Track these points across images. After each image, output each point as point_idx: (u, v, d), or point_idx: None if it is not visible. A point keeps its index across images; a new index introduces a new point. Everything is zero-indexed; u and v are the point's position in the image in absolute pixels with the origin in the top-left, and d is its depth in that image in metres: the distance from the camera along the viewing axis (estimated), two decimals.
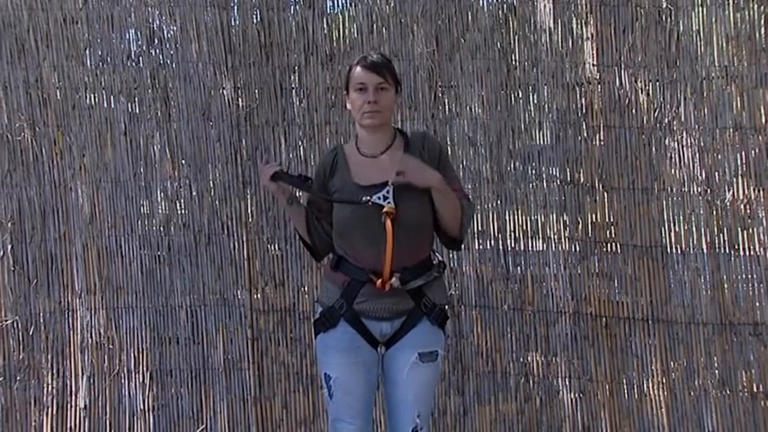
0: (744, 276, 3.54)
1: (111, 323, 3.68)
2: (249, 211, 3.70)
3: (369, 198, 2.48)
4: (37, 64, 3.68)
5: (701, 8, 3.57)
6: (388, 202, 2.47)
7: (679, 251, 3.58)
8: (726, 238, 3.54)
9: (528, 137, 3.68)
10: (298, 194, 2.71)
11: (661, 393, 3.58)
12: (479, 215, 3.68)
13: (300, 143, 3.71)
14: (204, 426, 3.67)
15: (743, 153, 3.54)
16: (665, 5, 3.58)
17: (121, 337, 3.68)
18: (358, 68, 2.54)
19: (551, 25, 3.65)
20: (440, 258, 2.64)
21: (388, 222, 2.45)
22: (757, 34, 3.53)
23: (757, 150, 3.52)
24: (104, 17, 3.69)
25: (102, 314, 3.68)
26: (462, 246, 2.74)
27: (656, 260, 3.58)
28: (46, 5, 3.67)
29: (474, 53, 3.66)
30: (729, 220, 3.54)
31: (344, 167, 2.57)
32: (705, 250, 3.56)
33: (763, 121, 3.53)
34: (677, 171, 3.59)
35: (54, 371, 3.68)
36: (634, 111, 3.60)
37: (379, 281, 2.47)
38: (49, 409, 3.67)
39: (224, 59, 3.68)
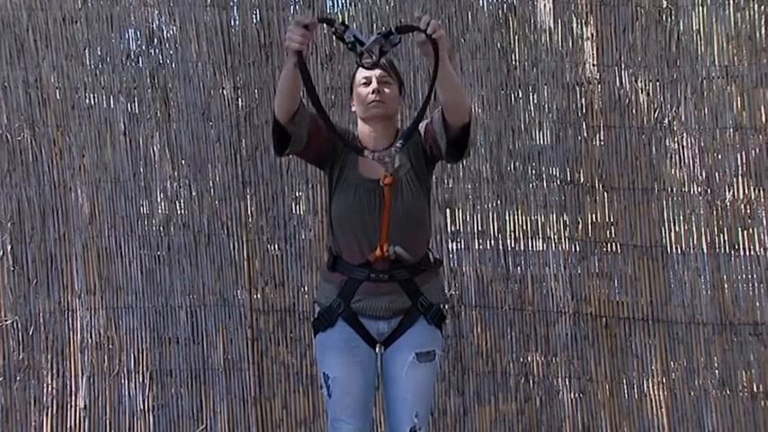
0: (744, 276, 3.54)
1: (110, 323, 3.68)
2: (249, 211, 3.70)
3: (373, 153, 2.40)
4: (36, 64, 3.67)
5: (701, 8, 3.57)
6: (387, 167, 2.41)
7: (679, 251, 3.58)
8: (726, 238, 3.54)
9: (528, 137, 3.68)
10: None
11: (661, 393, 3.58)
12: (479, 215, 3.68)
13: None
14: (204, 426, 3.67)
15: (743, 153, 3.54)
16: (665, 5, 3.59)
17: (121, 337, 3.68)
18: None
19: (551, 25, 3.65)
20: (436, 257, 2.63)
21: (386, 188, 2.42)
22: (757, 34, 3.53)
23: (757, 150, 3.52)
24: (104, 17, 3.68)
25: (102, 314, 3.68)
26: (470, 145, 2.51)
27: (656, 260, 3.58)
28: (45, 5, 3.67)
29: (474, 53, 3.66)
30: (729, 220, 3.54)
31: (354, 156, 2.55)
32: (705, 250, 3.56)
33: (764, 120, 3.52)
34: (677, 171, 3.59)
35: (54, 371, 3.68)
36: (634, 111, 3.60)
37: (377, 251, 2.44)
38: (49, 409, 3.68)
39: (224, 59, 3.67)
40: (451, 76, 2.37)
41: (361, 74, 2.55)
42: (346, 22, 2.38)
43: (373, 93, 2.51)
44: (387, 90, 2.53)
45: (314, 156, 2.58)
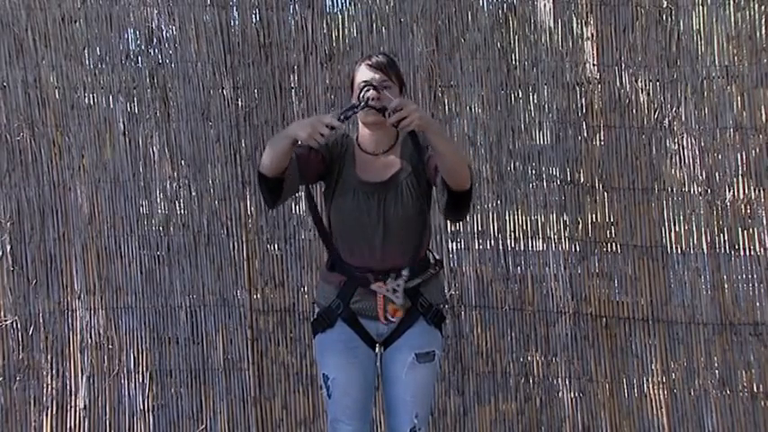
0: (744, 276, 3.55)
1: (110, 323, 3.68)
2: (249, 211, 3.70)
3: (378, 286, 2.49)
4: (35, 64, 3.67)
5: (701, 8, 3.57)
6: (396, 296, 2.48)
7: (679, 251, 3.58)
8: (726, 238, 3.54)
9: (528, 137, 3.68)
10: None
11: (661, 393, 3.58)
12: (479, 215, 3.67)
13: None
14: (204, 426, 3.67)
15: (743, 153, 3.54)
16: (665, 5, 3.58)
17: (121, 337, 3.68)
18: (362, 67, 2.55)
19: (551, 25, 3.65)
20: (436, 257, 2.63)
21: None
22: (758, 34, 3.53)
23: (757, 150, 3.53)
24: (103, 16, 3.68)
25: (102, 314, 3.67)
26: (470, 206, 2.55)
27: (656, 260, 3.58)
28: (44, 5, 3.66)
29: (474, 53, 3.66)
30: (730, 220, 3.54)
31: (351, 158, 2.57)
32: (705, 250, 3.56)
33: (764, 120, 3.53)
34: (677, 171, 3.59)
35: (54, 371, 3.67)
36: (634, 111, 3.60)
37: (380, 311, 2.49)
38: (49, 409, 3.67)
39: (223, 59, 3.67)
40: (448, 151, 2.35)
41: (362, 75, 2.53)
42: (354, 104, 2.41)
43: (373, 100, 2.50)
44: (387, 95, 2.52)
45: (313, 181, 2.61)
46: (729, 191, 3.53)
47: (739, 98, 3.54)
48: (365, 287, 2.49)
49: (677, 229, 3.59)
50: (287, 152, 2.37)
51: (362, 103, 2.37)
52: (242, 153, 3.68)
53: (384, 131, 2.55)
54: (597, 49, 3.62)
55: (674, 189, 3.59)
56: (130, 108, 3.69)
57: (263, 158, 2.43)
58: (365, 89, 2.39)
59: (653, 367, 3.59)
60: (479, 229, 3.67)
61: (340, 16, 3.77)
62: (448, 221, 3.59)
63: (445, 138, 2.43)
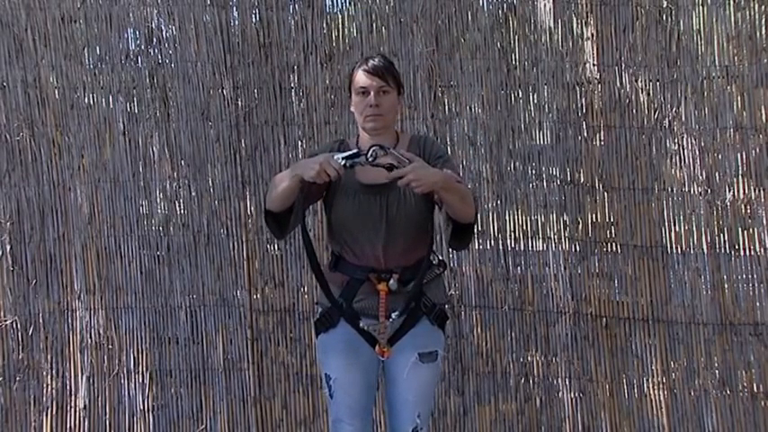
0: (744, 276, 3.55)
1: (110, 323, 3.68)
2: (248, 211, 3.70)
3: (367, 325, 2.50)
4: (35, 63, 3.66)
5: (701, 7, 3.57)
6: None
7: (679, 251, 3.58)
8: (726, 238, 3.54)
9: (528, 137, 3.68)
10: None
11: (661, 393, 3.58)
12: (479, 215, 3.66)
13: (300, 143, 3.71)
14: (204, 426, 3.67)
15: (743, 153, 3.54)
16: (665, 5, 3.59)
17: (121, 337, 3.68)
18: (360, 72, 2.53)
19: (551, 25, 3.65)
20: (440, 258, 2.63)
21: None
22: (758, 34, 3.53)
23: (758, 150, 3.53)
24: (103, 16, 3.67)
25: (102, 314, 3.67)
26: (472, 237, 2.61)
27: (656, 260, 3.58)
28: (44, 4, 3.66)
29: (474, 53, 3.66)
30: (730, 220, 3.54)
31: None
32: (705, 250, 3.56)
33: (764, 120, 3.52)
34: (678, 171, 3.59)
35: (54, 371, 3.67)
36: (634, 111, 3.60)
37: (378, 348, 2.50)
38: (49, 409, 3.67)
39: (223, 59, 3.66)
40: (456, 200, 2.41)
41: (359, 81, 2.52)
42: (362, 153, 2.40)
43: (371, 106, 2.50)
44: (385, 101, 2.51)
45: (317, 200, 2.64)
46: (729, 191, 3.53)
47: (739, 98, 3.53)
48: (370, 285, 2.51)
49: (677, 229, 3.59)
50: (294, 190, 2.43)
51: (370, 159, 2.36)
52: (242, 153, 3.68)
53: (384, 136, 2.55)
54: (597, 49, 3.62)
55: (674, 189, 3.59)
56: (130, 108, 3.69)
57: (269, 197, 2.50)
58: (374, 150, 2.37)
59: (653, 367, 3.59)
60: (479, 229, 3.67)
61: (340, 16, 3.77)
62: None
63: (451, 188, 2.39)
